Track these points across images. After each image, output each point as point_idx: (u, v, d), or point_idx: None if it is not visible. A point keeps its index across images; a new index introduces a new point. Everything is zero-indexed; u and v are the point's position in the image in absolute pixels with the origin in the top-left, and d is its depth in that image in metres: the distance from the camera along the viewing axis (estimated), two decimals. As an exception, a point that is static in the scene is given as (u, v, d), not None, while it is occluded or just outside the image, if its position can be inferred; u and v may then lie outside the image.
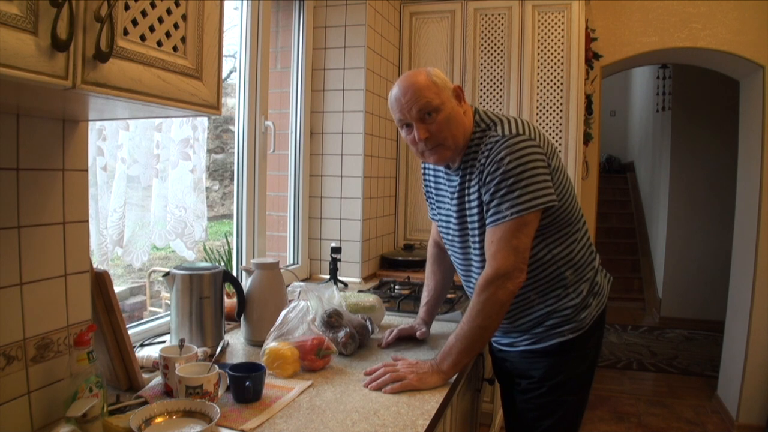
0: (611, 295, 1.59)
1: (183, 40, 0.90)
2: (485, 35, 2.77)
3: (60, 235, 1.07)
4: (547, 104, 2.71)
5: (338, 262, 2.28)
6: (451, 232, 1.52)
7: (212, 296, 1.45)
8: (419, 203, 2.92)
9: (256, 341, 1.56)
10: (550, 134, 2.71)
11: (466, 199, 1.44)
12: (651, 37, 3.16)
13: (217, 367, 1.18)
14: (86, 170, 1.13)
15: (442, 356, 1.36)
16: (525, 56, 2.72)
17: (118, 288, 2.04)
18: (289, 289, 1.66)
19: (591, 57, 2.98)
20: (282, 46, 2.40)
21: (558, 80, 2.69)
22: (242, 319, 1.61)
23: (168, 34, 0.87)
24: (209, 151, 3.83)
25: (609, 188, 7.34)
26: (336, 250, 2.26)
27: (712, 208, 5.17)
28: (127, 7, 0.79)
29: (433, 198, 1.62)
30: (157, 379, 1.24)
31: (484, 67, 2.78)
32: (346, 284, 2.34)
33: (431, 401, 1.23)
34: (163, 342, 1.49)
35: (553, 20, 2.67)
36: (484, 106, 2.79)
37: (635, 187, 7.50)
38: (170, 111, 0.97)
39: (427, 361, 1.37)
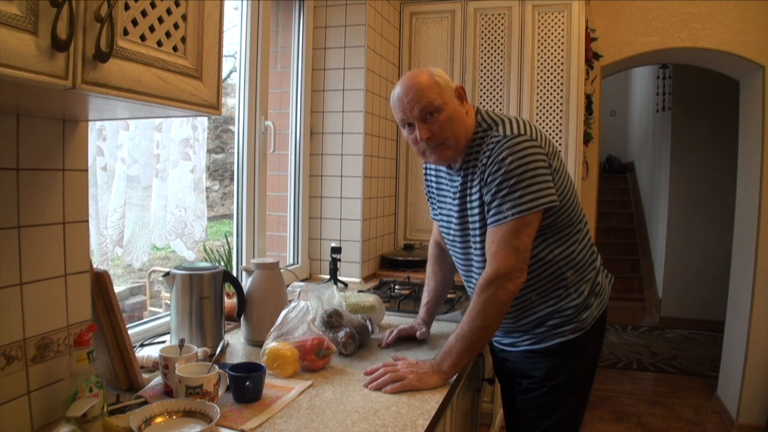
0: (611, 295, 1.59)
1: (183, 40, 0.90)
2: (485, 35, 2.77)
3: (60, 235, 1.07)
4: (547, 104, 2.71)
5: (338, 262, 2.28)
6: (452, 232, 1.52)
7: (212, 296, 1.45)
8: (419, 203, 2.92)
9: (256, 341, 1.56)
10: (550, 134, 2.71)
11: (468, 199, 1.44)
12: (651, 37, 3.16)
13: (217, 367, 1.18)
14: (86, 170, 1.13)
15: (442, 356, 1.36)
16: (525, 56, 2.72)
17: (118, 288, 2.04)
18: (289, 289, 1.66)
19: (591, 57, 2.98)
20: (282, 46, 2.39)
21: (558, 80, 2.69)
22: (242, 319, 1.61)
23: (168, 34, 0.87)
24: (209, 151, 3.83)
25: (609, 188, 7.34)
26: (336, 250, 2.26)
27: (712, 208, 5.17)
28: (127, 7, 0.79)
29: (434, 198, 1.62)
30: (157, 379, 1.24)
31: (484, 67, 2.78)
32: (346, 284, 2.34)
33: (431, 401, 1.23)
34: (163, 342, 1.49)
35: (553, 20, 2.67)
36: (484, 106, 2.79)
37: (635, 187, 7.50)
38: (170, 111, 0.97)
39: (427, 361, 1.37)
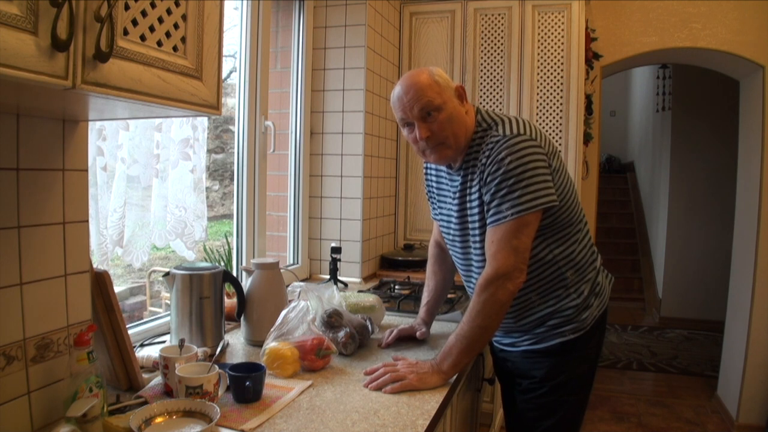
0: (611, 295, 1.59)
1: (183, 40, 0.90)
2: (485, 35, 2.77)
3: (60, 235, 1.07)
4: (547, 104, 2.71)
5: (338, 262, 2.28)
6: (452, 231, 1.52)
7: (212, 296, 1.45)
8: (419, 203, 2.92)
9: (256, 341, 1.56)
10: (550, 134, 2.71)
11: (467, 198, 1.44)
12: (651, 37, 3.16)
13: (217, 367, 1.18)
14: (86, 170, 1.13)
15: (442, 356, 1.36)
16: (525, 56, 2.72)
17: (118, 288, 2.04)
18: (289, 289, 1.66)
19: (591, 57, 2.98)
20: (282, 46, 2.39)
21: (558, 80, 2.69)
22: (242, 319, 1.61)
23: (168, 34, 0.87)
24: (209, 151, 3.83)
25: (609, 188, 7.34)
26: (336, 250, 2.26)
27: (712, 208, 5.17)
28: (127, 7, 0.79)
29: (434, 198, 1.62)
30: (157, 379, 1.24)
31: (484, 67, 2.78)
32: (346, 284, 2.34)
33: (431, 401, 1.23)
34: (163, 342, 1.49)
35: (553, 20, 2.67)
36: (484, 106, 2.79)
37: (635, 187, 7.50)
38: (170, 111, 0.97)
39: (427, 361, 1.37)
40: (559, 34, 2.67)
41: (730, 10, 2.99)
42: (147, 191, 1.56)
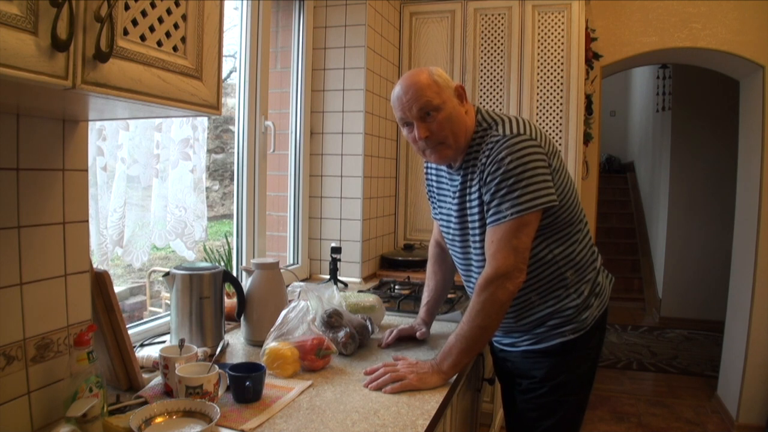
0: (611, 295, 1.59)
1: (183, 40, 0.90)
2: (485, 35, 2.77)
3: (60, 235, 1.07)
4: (547, 104, 2.71)
5: (338, 262, 2.28)
6: (451, 231, 1.52)
7: (212, 296, 1.45)
8: (419, 203, 2.92)
9: (256, 341, 1.56)
10: (550, 134, 2.71)
11: (467, 198, 1.44)
12: (651, 37, 3.16)
13: (217, 367, 1.18)
14: (86, 170, 1.13)
15: (442, 356, 1.36)
16: (525, 56, 2.72)
17: (118, 288, 2.04)
18: (289, 289, 1.66)
19: (591, 57, 2.98)
20: (282, 46, 2.39)
21: (558, 80, 2.69)
22: (242, 319, 1.61)
23: (168, 34, 0.87)
24: (209, 151, 3.83)
25: (609, 188, 7.34)
26: (336, 250, 2.26)
27: (712, 208, 5.17)
28: (127, 7, 0.79)
29: (435, 197, 1.62)
30: (157, 379, 1.24)
31: (484, 67, 2.78)
32: (346, 284, 2.34)
33: (431, 401, 1.23)
34: (163, 342, 1.49)
35: (553, 20, 2.67)
36: (484, 106, 2.79)
37: (635, 187, 7.50)
38: (170, 111, 0.97)
39: (427, 361, 1.37)
40: (559, 34, 2.67)
41: (730, 10, 2.99)
42: (147, 191, 1.56)
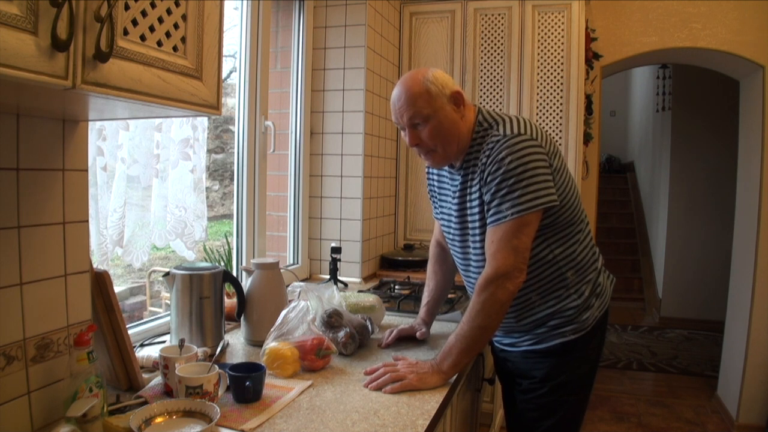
0: (612, 296, 1.58)
1: (183, 40, 0.90)
2: (485, 35, 2.77)
3: (60, 235, 1.07)
4: (547, 104, 2.71)
5: (338, 262, 2.28)
6: (452, 231, 1.52)
7: (212, 296, 1.45)
8: (419, 203, 2.92)
9: (256, 341, 1.56)
10: (550, 134, 2.70)
11: (468, 198, 1.44)
12: (651, 37, 3.16)
13: (217, 367, 1.18)
14: (86, 170, 1.13)
15: (442, 356, 1.36)
16: (525, 56, 2.72)
17: (118, 288, 2.04)
18: (289, 289, 1.66)
19: (591, 57, 2.98)
20: (282, 46, 2.39)
21: (558, 80, 2.69)
22: (242, 319, 1.61)
23: (168, 34, 0.87)
24: (209, 151, 3.83)
25: (609, 188, 7.34)
26: (336, 250, 2.26)
27: (712, 208, 5.17)
28: (127, 7, 0.79)
29: (436, 197, 1.62)
30: (157, 379, 1.24)
31: (484, 67, 2.78)
32: (346, 284, 2.34)
33: (431, 401, 1.23)
34: (163, 342, 1.49)
35: (553, 20, 2.67)
36: (484, 106, 2.79)
37: (635, 187, 7.50)
38: (170, 111, 0.97)
39: (427, 361, 1.37)
40: (559, 34, 2.67)
41: (730, 10, 2.99)
42: (147, 191, 1.56)
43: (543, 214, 1.36)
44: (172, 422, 1.02)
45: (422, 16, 2.85)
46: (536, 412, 1.49)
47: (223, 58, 1.00)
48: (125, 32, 0.79)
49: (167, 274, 1.45)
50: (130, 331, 1.33)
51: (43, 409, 1.02)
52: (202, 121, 1.67)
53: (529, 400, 1.50)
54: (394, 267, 2.68)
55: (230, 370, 1.21)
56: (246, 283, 1.64)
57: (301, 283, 1.65)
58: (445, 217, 1.55)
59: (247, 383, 1.17)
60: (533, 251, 1.39)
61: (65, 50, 0.68)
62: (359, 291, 2.03)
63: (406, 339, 1.63)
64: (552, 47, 2.68)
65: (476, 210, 1.41)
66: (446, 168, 1.53)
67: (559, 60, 2.68)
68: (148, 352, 1.36)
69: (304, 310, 1.49)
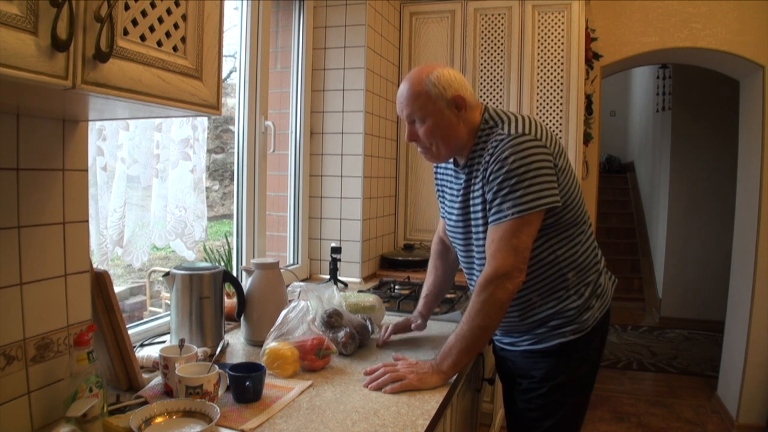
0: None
1: (183, 40, 0.90)
2: (485, 35, 2.77)
3: (60, 235, 1.07)
4: (547, 104, 2.71)
5: (338, 262, 2.28)
6: (456, 229, 1.52)
7: (212, 296, 1.45)
8: (419, 203, 2.92)
9: (256, 341, 1.56)
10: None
11: (471, 196, 1.44)
12: (651, 37, 3.16)
13: (217, 367, 1.18)
14: (86, 170, 1.13)
15: (442, 356, 1.36)
16: (525, 56, 2.72)
17: (118, 288, 2.04)
18: (289, 289, 1.66)
19: (591, 57, 2.98)
20: (282, 46, 2.39)
21: (558, 80, 2.69)
22: (242, 319, 1.61)
23: (168, 34, 0.87)
24: (209, 151, 3.83)
25: (609, 188, 7.34)
26: (336, 250, 2.26)
27: (712, 208, 5.17)
28: (127, 7, 0.79)
29: (443, 194, 1.62)
30: (157, 379, 1.24)
31: (484, 67, 2.78)
32: (346, 284, 2.34)
33: (431, 401, 1.23)
34: (163, 342, 1.49)
35: (553, 20, 2.67)
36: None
37: (635, 187, 7.50)
38: (170, 111, 0.97)
39: (427, 361, 1.37)
40: (559, 34, 2.67)
41: (730, 10, 2.99)
42: (147, 191, 1.56)
43: (545, 214, 1.36)
44: (172, 422, 1.02)
45: (422, 16, 2.85)
46: (536, 412, 1.49)
47: (223, 58, 1.00)
48: (125, 32, 0.79)
49: (167, 274, 1.45)
50: (130, 331, 1.33)
51: (43, 409, 1.02)
52: (202, 121, 1.67)
53: (529, 400, 1.50)
54: (394, 267, 2.68)
55: (230, 370, 1.21)
56: (246, 283, 1.64)
57: (301, 283, 1.65)
58: (450, 214, 1.55)
59: (247, 383, 1.17)
60: (535, 251, 1.38)
61: (65, 50, 0.68)
62: (359, 291, 2.03)
63: (406, 339, 1.63)
64: (552, 47, 2.68)
65: (479, 208, 1.41)
66: (452, 166, 1.53)
67: (559, 60, 2.68)
68: (148, 352, 1.36)
69: (304, 310, 1.49)
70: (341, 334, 1.50)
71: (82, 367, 0.99)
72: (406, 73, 2.83)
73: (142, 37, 0.82)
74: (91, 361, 1.00)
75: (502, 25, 2.74)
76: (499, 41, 2.76)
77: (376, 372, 1.33)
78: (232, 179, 2.16)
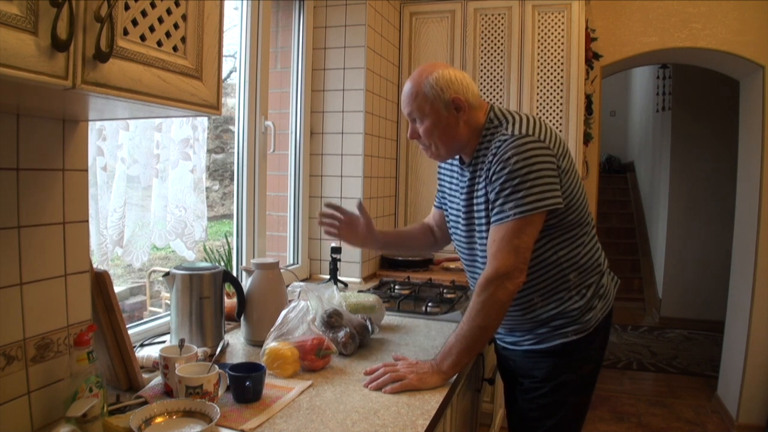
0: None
1: (183, 40, 0.90)
2: (485, 35, 2.77)
3: (60, 235, 1.07)
4: (547, 104, 2.71)
5: (338, 262, 2.28)
6: (459, 227, 1.52)
7: (212, 296, 1.45)
8: (419, 203, 2.92)
9: (256, 341, 1.56)
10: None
11: (474, 195, 1.44)
12: (651, 37, 3.16)
13: (217, 367, 1.18)
14: (86, 170, 1.13)
15: (442, 356, 1.36)
16: (525, 56, 2.72)
17: (118, 288, 2.04)
18: (289, 289, 1.66)
19: (591, 57, 2.98)
20: (282, 46, 2.39)
21: (558, 80, 2.69)
22: (242, 319, 1.61)
23: (168, 34, 0.87)
24: (209, 151, 3.83)
25: (609, 188, 7.34)
26: (336, 250, 2.26)
27: (712, 208, 5.17)
28: (127, 7, 0.79)
29: (446, 190, 1.62)
30: (157, 379, 1.24)
31: (484, 67, 2.78)
32: (346, 284, 2.34)
33: (431, 401, 1.23)
34: (163, 342, 1.49)
35: (553, 20, 2.67)
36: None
37: (635, 187, 7.50)
38: (170, 111, 0.97)
39: (428, 361, 1.37)
40: (559, 34, 2.67)
41: (730, 10, 2.99)
42: (147, 191, 1.56)
43: (548, 215, 1.36)
44: (172, 422, 1.02)
45: (422, 16, 2.85)
46: (537, 412, 1.49)
47: (223, 58, 1.00)
48: (125, 32, 0.79)
49: (167, 274, 1.45)
50: (130, 331, 1.33)
51: (43, 409, 1.02)
52: (202, 121, 1.68)
53: (530, 400, 1.50)
54: (394, 267, 2.69)
55: (230, 370, 1.21)
56: (246, 283, 1.64)
57: (301, 283, 1.65)
58: (453, 213, 1.56)
59: (247, 383, 1.17)
60: (537, 252, 1.38)
61: (65, 50, 0.68)
62: (359, 291, 2.03)
63: (406, 339, 1.63)
64: (552, 47, 2.68)
65: (482, 207, 1.41)
66: (457, 163, 1.53)
67: (559, 60, 2.68)
68: (148, 352, 1.36)
69: (304, 310, 1.49)
70: (341, 334, 1.50)
71: (82, 367, 0.99)
72: (406, 73, 2.86)
73: (142, 37, 0.82)
74: (91, 361, 1.00)
75: (502, 25, 2.74)
76: (499, 41, 2.75)
77: (376, 372, 1.33)
78: (232, 179, 2.16)
